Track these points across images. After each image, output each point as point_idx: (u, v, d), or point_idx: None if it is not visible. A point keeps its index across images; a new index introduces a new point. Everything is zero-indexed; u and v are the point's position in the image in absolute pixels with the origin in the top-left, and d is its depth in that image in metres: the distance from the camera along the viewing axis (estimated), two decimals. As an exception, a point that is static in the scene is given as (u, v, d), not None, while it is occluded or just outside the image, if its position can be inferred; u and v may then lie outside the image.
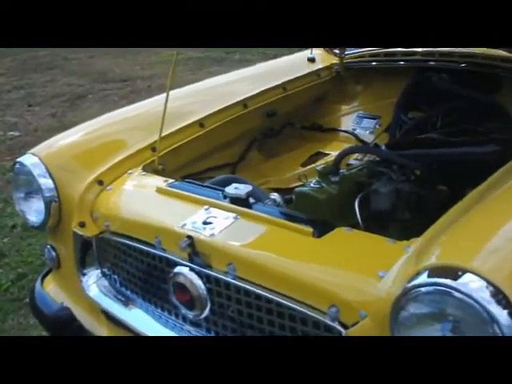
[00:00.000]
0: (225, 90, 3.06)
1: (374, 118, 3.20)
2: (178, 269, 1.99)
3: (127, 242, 2.18)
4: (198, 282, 1.95)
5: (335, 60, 3.41)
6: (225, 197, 2.12)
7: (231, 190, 2.09)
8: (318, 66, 3.39)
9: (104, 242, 2.27)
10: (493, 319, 1.37)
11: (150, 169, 2.52)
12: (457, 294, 1.42)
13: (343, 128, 3.27)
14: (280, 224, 1.92)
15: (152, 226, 2.11)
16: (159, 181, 2.37)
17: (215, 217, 2.02)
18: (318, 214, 2.23)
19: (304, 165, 3.08)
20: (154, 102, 2.82)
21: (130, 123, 2.75)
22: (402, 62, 3.06)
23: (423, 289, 1.45)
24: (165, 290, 2.08)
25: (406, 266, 1.60)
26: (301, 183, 2.83)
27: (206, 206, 2.07)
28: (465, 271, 1.44)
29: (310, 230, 1.85)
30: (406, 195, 2.26)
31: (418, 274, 1.49)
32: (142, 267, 2.16)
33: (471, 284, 1.42)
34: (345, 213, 2.29)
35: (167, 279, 2.03)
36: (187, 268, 1.98)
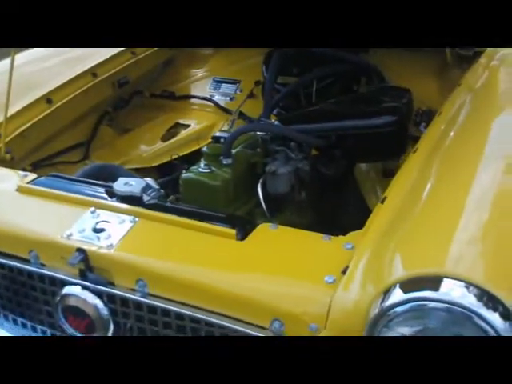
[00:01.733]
0: (72, 56, 2.64)
1: (233, 83, 2.95)
2: (67, 289, 1.63)
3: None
4: (96, 302, 1.61)
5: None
6: (110, 194, 1.78)
7: (121, 186, 1.75)
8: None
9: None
10: (487, 323, 1.22)
11: None
12: (440, 305, 1.25)
13: (199, 94, 2.97)
14: (193, 226, 1.63)
15: (23, 238, 1.71)
16: (15, 175, 1.97)
17: (107, 221, 1.68)
18: (211, 202, 1.98)
19: (164, 138, 2.78)
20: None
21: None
22: None
23: (402, 308, 1.26)
24: (48, 314, 1.71)
25: (365, 272, 1.40)
26: (167, 160, 2.57)
27: (92, 208, 1.71)
28: (441, 278, 1.28)
29: (232, 231, 1.59)
30: (304, 174, 2.07)
31: (389, 290, 1.30)
32: (12, 287, 1.76)
33: (453, 291, 1.26)
34: (239, 197, 2.06)
35: (52, 302, 1.67)
36: (79, 287, 1.63)
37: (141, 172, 2.57)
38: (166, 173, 2.52)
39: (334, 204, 2.33)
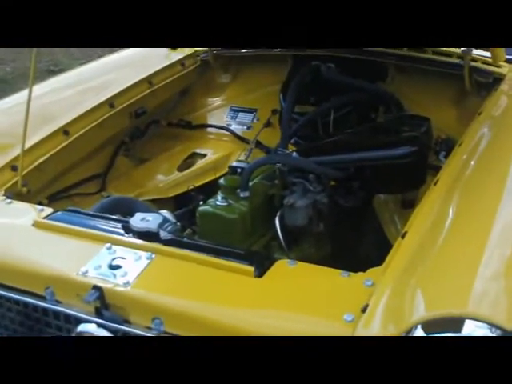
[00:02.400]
0: (89, 86, 2.64)
1: (250, 112, 2.93)
2: (82, 327, 1.61)
3: (4, 293, 1.74)
4: (111, 341, 1.58)
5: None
6: (126, 229, 1.76)
7: (137, 222, 1.73)
8: (181, 54, 3.04)
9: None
10: None
11: (12, 192, 2.08)
12: (463, 347, 1.21)
13: (215, 123, 2.97)
14: (210, 263, 1.60)
15: (40, 274, 1.69)
16: (31, 210, 1.96)
17: (123, 258, 1.66)
18: (228, 235, 1.97)
19: (180, 169, 2.77)
20: (7, 109, 2.35)
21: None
22: (277, 49, 2.82)
23: None
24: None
25: (385, 310, 1.37)
26: (183, 190, 2.56)
27: (108, 245, 1.70)
28: (464, 319, 1.24)
29: (250, 268, 1.56)
30: (323, 207, 2.05)
31: (410, 330, 1.26)
32: (27, 323, 1.74)
33: (476, 332, 1.22)
34: (256, 230, 2.04)
35: (67, 340, 1.64)
36: (94, 325, 1.60)
37: (157, 203, 2.57)
38: (183, 203, 2.51)
39: (352, 236, 2.30)
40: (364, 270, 1.56)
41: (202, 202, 2.12)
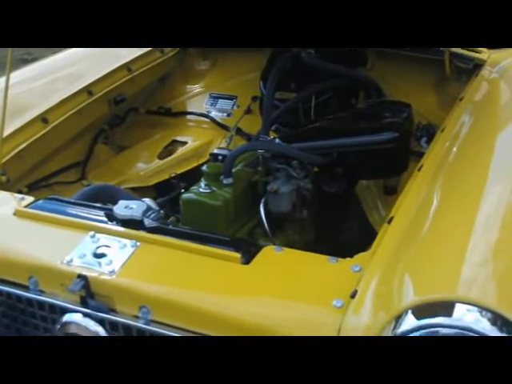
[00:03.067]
0: (66, 73, 2.61)
1: (230, 99, 2.91)
2: (67, 317, 1.59)
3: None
4: (98, 330, 1.57)
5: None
6: (110, 217, 1.74)
7: (121, 209, 1.71)
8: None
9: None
10: None
11: None
12: (453, 331, 1.22)
13: (195, 110, 2.94)
14: (196, 250, 1.59)
15: (23, 263, 1.67)
16: (12, 198, 1.93)
17: (107, 246, 1.64)
18: (212, 223, 1.95)
19: (161, 156, 2.74)
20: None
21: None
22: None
23: (415, 334, 1.23)
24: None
25: (375, 296, 1.37)
26: (164, 178, 2.54)
27: (91, 233, 1.67)
28: (454, 302, 1.24)
29: (237, 254, 1.55)
30: (306, 193, 2.04)
31: (401, 316, 1.26)
32: (11, 313, 1.72)
33: (466, 316, 1.23)
34: (240, 217, 2.03)
35: (52, 330, 1.62)
36: (80, 314, 1.58)
37: (138, 191, 2.55)
38: (164, 191, 2.49)
39: (335, 221, 2.30)
40: (347, 256, 1.56)
41: (183, 190, 2.10)
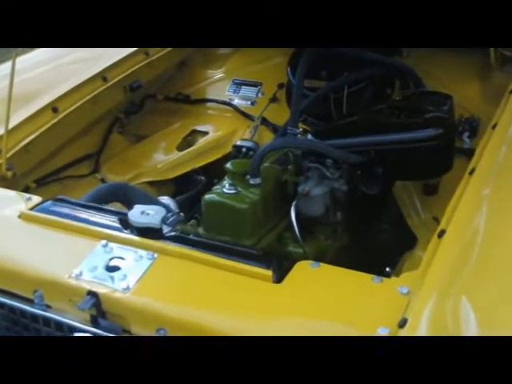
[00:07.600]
0: (78, 57, 2.44)
1: (254, 86, 2.71)
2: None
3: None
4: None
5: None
6: (124, 224, 1.56)
7: (137, 216, 1.53)
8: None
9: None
10: None
11: None
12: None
13: (216, 98, 2.74)
14: (221, 265, 1.41)
15: (27, 275, 1.50)
16: (17, 198, 1.77)
17: (121, 258, 1.46)
18: (237, 227, 1.78)
19: (180, 148, 2.56)
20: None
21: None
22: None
23: None
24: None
25: (428, 328, 1.18)
26: (184, 171, 2.38)
27: (104, 242, 1.50)
28: None
29: (267, 272, 1.37)
30: (341, 195, 1.86)
31: None
32: (14, 329, 1.55)
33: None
34: (268, 220, 1.85)
35: (59, 350, 1.46)
36: (88, 334, 1.41)
37: (155, 185, 2.39)
38: (184, 186, 2.32)
39: (368, 223, 2.12)
40: (384, 263, 1.43)
41: (201, 185, 1.94)
